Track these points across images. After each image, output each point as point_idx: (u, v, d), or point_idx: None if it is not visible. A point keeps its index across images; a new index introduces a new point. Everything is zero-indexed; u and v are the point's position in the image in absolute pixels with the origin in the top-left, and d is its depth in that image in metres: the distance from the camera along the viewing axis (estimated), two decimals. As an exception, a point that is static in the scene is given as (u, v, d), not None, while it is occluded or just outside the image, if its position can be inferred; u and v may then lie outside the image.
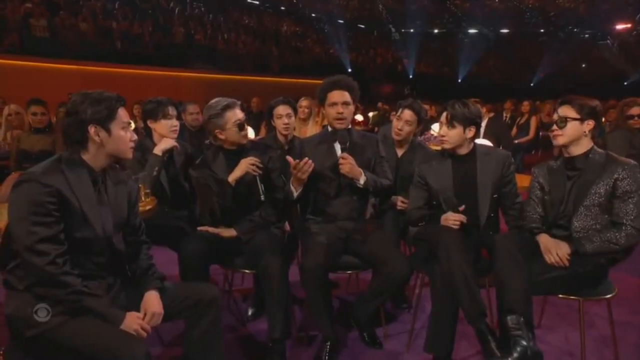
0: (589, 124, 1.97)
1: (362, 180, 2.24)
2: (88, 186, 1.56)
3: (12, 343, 1.51)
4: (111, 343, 1.43)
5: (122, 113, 1.62)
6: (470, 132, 2.22)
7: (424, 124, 2.87)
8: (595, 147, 2.02)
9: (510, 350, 1.79)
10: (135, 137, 1.67)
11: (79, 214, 1.51)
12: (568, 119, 1.97)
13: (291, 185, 2.25)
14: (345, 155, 2.20)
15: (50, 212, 1.44)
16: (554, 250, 1.94)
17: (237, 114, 2.31)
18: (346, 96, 2.29)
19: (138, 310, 1.61)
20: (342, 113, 2.28)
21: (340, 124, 2.30)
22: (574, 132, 1.98)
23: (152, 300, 1.64)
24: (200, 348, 1.72)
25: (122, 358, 1.41)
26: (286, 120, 2.94)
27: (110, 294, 1.63)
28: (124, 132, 1.61)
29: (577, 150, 2.01)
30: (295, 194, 2.25)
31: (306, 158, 2.15)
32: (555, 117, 2.03)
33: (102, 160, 1.60)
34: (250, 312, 2.70)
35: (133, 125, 5.59)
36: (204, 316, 1.71)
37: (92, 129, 1.54)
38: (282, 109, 2.95)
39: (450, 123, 2.19)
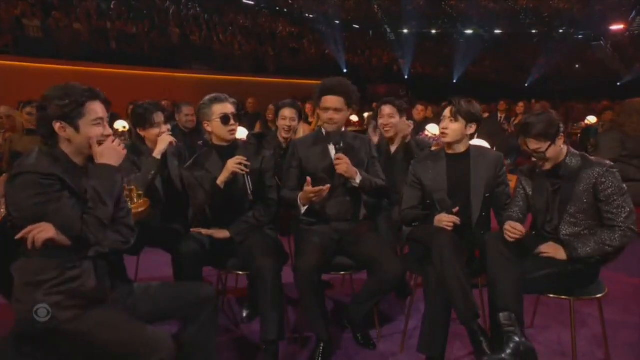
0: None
1: (358, 180, 2.27)
2: (78, 178, 1.53)
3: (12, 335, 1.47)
4: (134, 339, 1.40)
5: (92, 108, 1.52)
6: (471, 129, 2.25)
7: (415, 125, 2.91)
8: (572, 151, 2.04)
9: (503, 347, 1.80)
10: (108, 132, 1.58)
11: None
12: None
13: (299, 201, 2.28)
14: (341, 155, 2.23)
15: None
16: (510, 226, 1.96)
17: (226, 107, 2.30)
18: (339, 102, 2.32)
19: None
20: (332, 119, 2.33)
21: (329, 127, 2.36)
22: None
23: None
24: (194, 347, 1.71)
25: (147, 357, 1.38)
26: (289, 123, 3.07)
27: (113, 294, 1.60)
28: (95, 129, 1.53)
29: (556, 160, 2.02)
30: (303, 209, 2.30)
31: (328, 185, 2.20)
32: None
33: (77, 156, 1.55)
34: (245, 314, 2.70)
35: (127, 127, 5.52)
36: (199, 315, 1.70)
37: (56, 125, 1.48)
38: (287, 112, 3.08)
39: (454, 116, 2.21)
